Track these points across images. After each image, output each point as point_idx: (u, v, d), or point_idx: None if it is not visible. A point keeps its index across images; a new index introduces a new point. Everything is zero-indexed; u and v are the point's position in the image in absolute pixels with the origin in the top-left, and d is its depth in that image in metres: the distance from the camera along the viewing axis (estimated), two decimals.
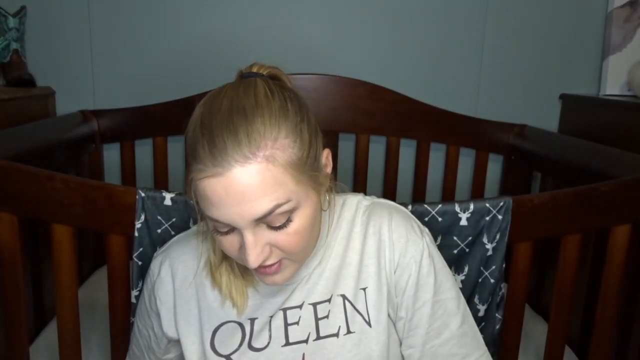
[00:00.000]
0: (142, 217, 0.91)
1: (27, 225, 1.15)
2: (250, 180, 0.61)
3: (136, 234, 0.92)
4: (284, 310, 0.76)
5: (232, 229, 0.65)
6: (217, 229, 0.66)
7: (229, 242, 0.67)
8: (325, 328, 0.75)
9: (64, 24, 1.63)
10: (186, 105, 1.63)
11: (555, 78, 1.76)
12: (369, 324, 0.75)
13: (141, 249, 0.94)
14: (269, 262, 0.67)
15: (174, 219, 0.93)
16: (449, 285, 0.79)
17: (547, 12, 1.72)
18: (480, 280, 0.99)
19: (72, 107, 1.65)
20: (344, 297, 0.76)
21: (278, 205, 0.63)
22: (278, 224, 0.65)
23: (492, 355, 1.02)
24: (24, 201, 0.92)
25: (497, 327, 1.01)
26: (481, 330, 1.01)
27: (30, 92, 1.53)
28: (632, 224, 1.03)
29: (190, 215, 0.92)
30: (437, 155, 1.76)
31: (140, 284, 0.95)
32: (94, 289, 1.46)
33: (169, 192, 0.92)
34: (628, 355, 1.25)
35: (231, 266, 0.76)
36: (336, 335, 0.75)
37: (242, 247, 0.65)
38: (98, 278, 1.54)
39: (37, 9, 1.61)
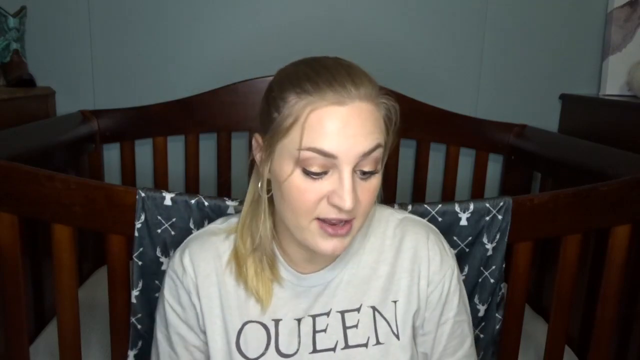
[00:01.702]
0: (142, 217, 0.91)
1: (27, 225, 1.15)
2: (368, 114, 0.66)
3: (136, 234, 0.92)
4: (313, 317, 0.77)
5: (325, 172, 0.66)
6: (310, 170, 0.65)
7: (316, 188, 0.66)
8: (354, 338, 0.76)
9: (64, 24, 1.63)
10: (186, 105, 1.65)
11: (555, 78, 1.76)
12: (397, 336, 0.77)
13: (141, 249, 0.93)
14: (350, 216, 0.68)
15: (174, 219, 0.93)
16: (466, 307, 0.84)
17: (547, 13, 1.72)
18: (480, 280, 0.99)
19: (72, 107, 1.65)
20: (374, 308, 0.77)
21: (379, 145, 0.67)
22: (369, 169, 0.67)
23: (492, 355, 1.03)
24: (24, 201, 0.92)
25: (497, 327, 1.01)
26: (481, 330, 1.01)
27: (30, 92, 1.53)
28: (632, 224, 1.03)
29: (190, 215, 0.92)
30: (437, 155, 1.76)
31: (140, 284, 0.95)
32: (94, 289, 1.46)
33: (169, 192, 0.92)
34: (628, 356, 1.25)
35: (260, 259, 0.76)
36: (365, 345, 0.76)
37: (334, 192, 0.66)
38: (98, 278, 1.54)
39: (37, 9, 1.61)
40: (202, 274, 0.78)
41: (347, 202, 0.65)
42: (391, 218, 0.82)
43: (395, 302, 0.78)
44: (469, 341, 0.83)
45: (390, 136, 0.71)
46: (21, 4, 1.58)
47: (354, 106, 0.65)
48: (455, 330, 0.81)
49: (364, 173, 0.67)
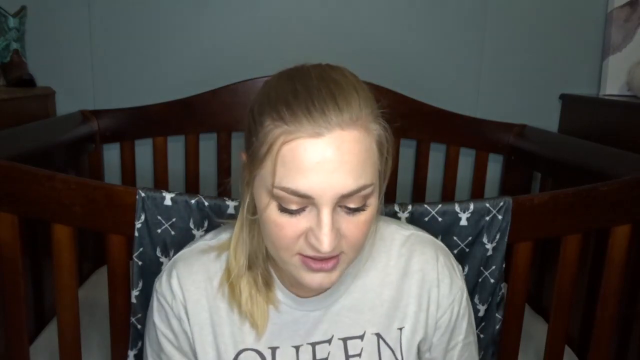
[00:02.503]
0: (142, 217, 0.91)
1: (27, 225, 1.15)
2: (352, 145, 0.58)
3: (136, 234, 0.92)
4: (313, 345, 0.72)
5: (303, 209, 0.60)
6: (286, 207, 0.59)
7: (293, 225, 0.60)
8: None
9: (64, 24, 1.63)
10: (186, 105, 1.65)
11: (555, 78, 1.76)
12: None
13: (141, 249, 0.93)
14: (334, 253, 0.61)
15: (174, 219, 0.93)
16: (473, 328, 0.81)
17: (547, 12, 1.72)
18: (480, 280, 0.99)
19: (72, 107, 1.65)
20: (378, 335, 0.73)
21: (365, 187, 0.59)
22: (355, 206, 0.60)
23: (492, 355, 1.03)
24: (24, 201, 0.92)
25: (497, 327, 1.01)
26: (481, 330, 1.01)
27: (30, 92, 1.53)
28: (632, 224, 1.03)
29: (190, 215, 0.92)
30: (437, 155, 1.76)
31: (140, 284, 0.95)
32: (94, 289, 1.46)
33: (169, 192, 0.92)
34: (628, 356, 1.25)
35: (254, 279, 0.71)
36: None
37: (312, 231, 0.60)
38: (98, 278, 1.54)
39: (37, 9, 1.61)
40: (192, 299, 0.72)
41: (324, 245, 0.58)
42: (396, 235, 0.76)
43: (400, 329, 0.74)
44: None
45: (385, 157, 0.64)
46: (21, 4, 1.58)
47: (334, 137, 0.57)
48: (463, 354, 0.78)
49: (349, 209, 0.60)
